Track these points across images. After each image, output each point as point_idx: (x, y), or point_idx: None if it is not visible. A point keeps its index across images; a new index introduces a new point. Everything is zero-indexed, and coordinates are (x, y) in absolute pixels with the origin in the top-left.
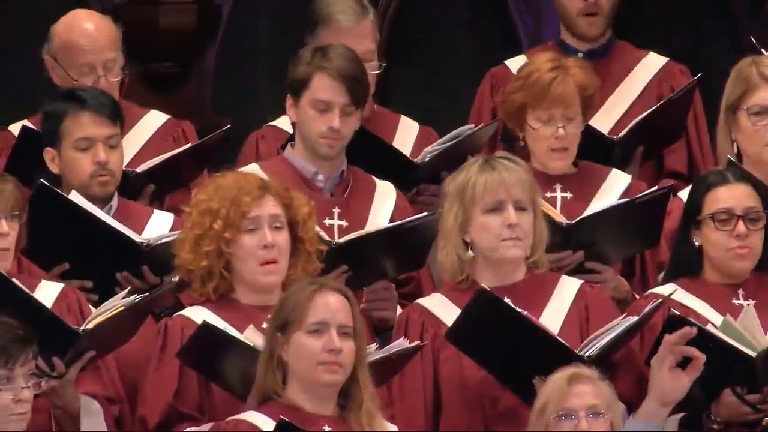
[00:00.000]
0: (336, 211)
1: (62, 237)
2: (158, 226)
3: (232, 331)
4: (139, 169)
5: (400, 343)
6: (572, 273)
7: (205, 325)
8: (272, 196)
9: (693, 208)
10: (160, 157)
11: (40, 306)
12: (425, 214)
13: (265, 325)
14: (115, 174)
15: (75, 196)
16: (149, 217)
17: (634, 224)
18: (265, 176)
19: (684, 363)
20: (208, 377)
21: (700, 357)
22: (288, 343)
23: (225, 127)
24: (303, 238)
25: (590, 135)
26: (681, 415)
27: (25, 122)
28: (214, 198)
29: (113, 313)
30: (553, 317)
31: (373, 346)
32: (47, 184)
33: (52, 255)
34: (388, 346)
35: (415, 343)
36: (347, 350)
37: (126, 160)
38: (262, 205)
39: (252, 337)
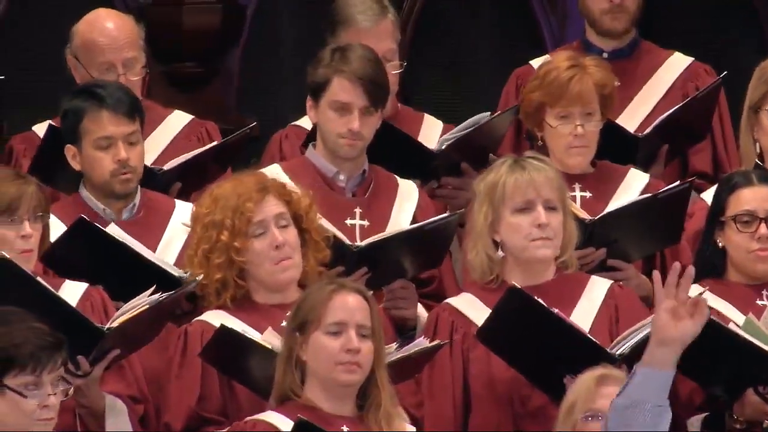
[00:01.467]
0: (357, 211)
1: (99, 264)
2: (182, 217)
3: (251, 334)
4: (165, 167)
5: (420, 342)
6: (594, 271)
7: (223, 329)
8: (272, 195)
9: (717, 209)
10: (186, 155)
11: (65, 304)
12: (446, 215)
13: (284, 324)
14: (137, 170)
15: (113, 229)
16: (173, 210)
17: (656, 220)
18: (282, 175)
19: None
20: (231, 377)
21: (702, 301)
22: (306, 343)
23: (251, 124)
24: (309, 229)
25: (615, 133)
26: (704, 415)
27: (50, 122)
28: (215, 210)
29: (138, 311)
30: (582, 317)
31: (393, 345)
32: (87, 219)
33: (86, 279)
34: (407, 346)
35: (436, 342)
36: (366, 350)
37: (150, 161)
38: (265, 207)
39: (271, 339)
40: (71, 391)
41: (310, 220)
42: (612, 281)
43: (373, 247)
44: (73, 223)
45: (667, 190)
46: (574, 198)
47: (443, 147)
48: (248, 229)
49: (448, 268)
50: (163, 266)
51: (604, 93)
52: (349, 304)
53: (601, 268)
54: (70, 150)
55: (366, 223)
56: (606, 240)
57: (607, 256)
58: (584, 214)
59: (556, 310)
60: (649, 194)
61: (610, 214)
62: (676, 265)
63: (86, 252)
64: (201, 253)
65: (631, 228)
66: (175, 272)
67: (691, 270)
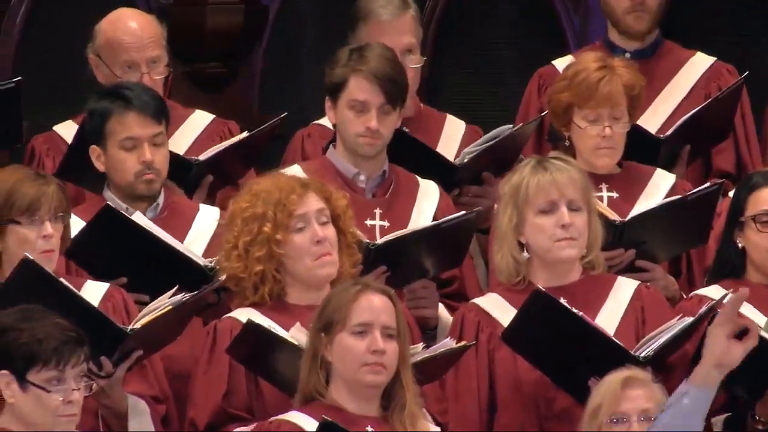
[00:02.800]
0: (377, 211)
1: (123, 255)
2: (205, 220)
3: (278, 330)
4: (201, 157)
5: (447, 343)
6: (622, 271)
7: (250, 324)
8: (313, 192)
9: (736, 208)
10: (218, 146)
11: (88, 306)
12: (462, 213)
13: None
14: (161, 172)
15: (138, 217)
16: (196, 213)
17: (685, 221)
18: (304, 176)
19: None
20: (257, 373)
21: (755, 328)
22: (331, 344)
23: (281, 115)
24: (344, 230)
25: (637, 134)
26: (726, 415)
27: (71, 121)
28: (256, 203)
29: (161, 312)
30: (609, 318)
31: (420, 345)
32: (112, 206)
33: (110, 271)
34: (434, 346)
35: (462, 342)
36: (391, 351)
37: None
38: (307, 202)
39: (298, 335)
40: (95, 386)
41: (346, 221)
42: (639, 282)
43: (390, 245)
44: (99, 212)
45: (697, 191)
46: (600, 198)
47: (465, 160)
48: (290, 222)
49: (470, 268)
50: (187, 254)
51: (633, 94)
52: (375, 305)
53: (629, 269)
54: (94, 151)
55: (386, 223)
56: (635, 241)
57: (635, 257)
58: (614, 216)
59: (580, 313)
60: (679, 196)
61: (640, 215)
62: (744, 290)
63: (110, 241)
64: (242, 246)
65: (660, 229)
66: (201, 261)
67: (745, 291)
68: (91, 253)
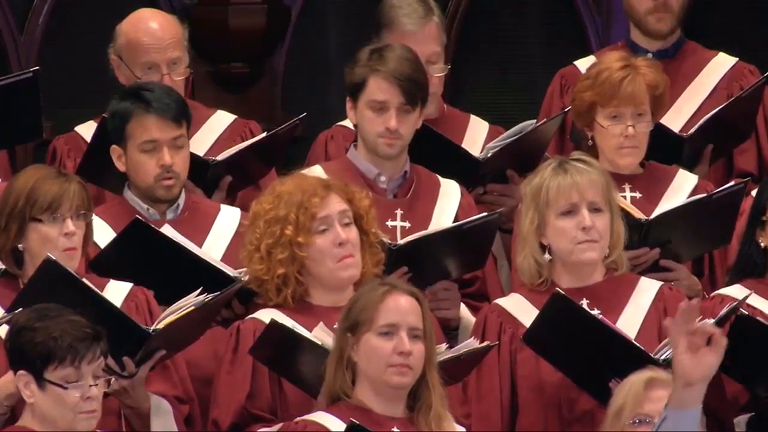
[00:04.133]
0: (398, 212)
1: (149, 267)
2: (226, 221)
3: (302, 330)
4: (218, 158)
5: (470, 343)
6: (646, 271)
7: (273, 323)
8: (336, 193)
9: (758, 208)
10: (237, 146)
11: (110, 306)
12: (485, 214)
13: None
14: (180, 176)
15: (168, 230)
16: (217, 213)
17: (709, 220)
18: (325, 177)
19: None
20: (280, 374)
21: (716, 331)
22: (358, 345)
23: (300, 116)
24: (367, 230)
25: (660, 133)
26: (748, 415)
27: (92, 121)
28: (279, 205)
29: (184, 312)
30: (631, 319)
31: (443, 346)
32: (142, 220)
33: (140, 281)
34: (457, 346)
35: (485, 343)
36: (417, 352)
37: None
38: (329, 203)
39: (321, 335)
40: (113, 381)
41: (369, 221)
42: (661, 283)
43: (411, 245)
44: (128, 225)
45: (722, 189)
46: (624, 198)
47: (488, 155)
48: (312, 224)
49: (492, 268)
50: (220, 267)
51: (656, 94)
52: (402, 306)
53: (653, 269)
54: (115, 151)
55: (407, 224)
56: (660, 240)
57: (659, 256)
58: (640, 214)
59: (600, 316)
60: (704, 194)
61: (665, 213)
62: (682, 305)
63: (136, 254)
64: (264, 248)
65: (684, 228)
66: (231, 273)
67: (694, 303)
68: (116, 265)
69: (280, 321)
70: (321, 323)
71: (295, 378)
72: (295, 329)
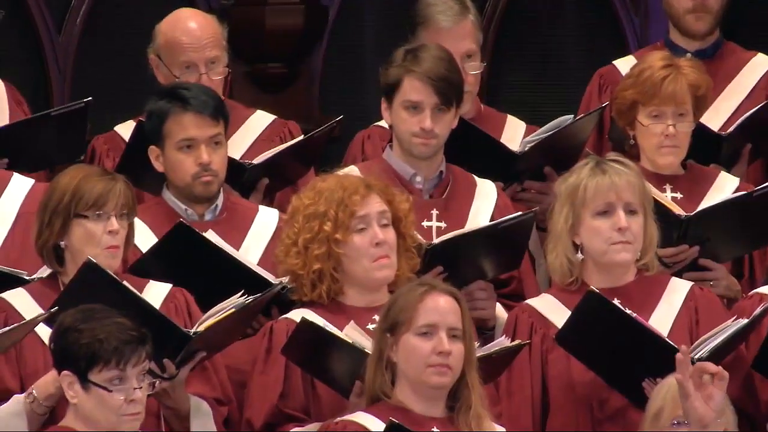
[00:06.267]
0: (434, 212)
1: (189, 273)
2: (265, 222)
3: (332, 329)
4: (255, 161)
5: (501, 342)
6: (685, 270)
7: (304, 322)
8: (376, 193)
9: None
10: (274, 149)
11: (151, 309)
12: (519, 213)
13: (370, 326)
14: (219, 173)
15: (211, 235)
16: (255, 214)
17: (749, 220)
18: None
19: None
20: (311, 373)
21: (718, 370)
22: (397, 345)
23: (337, 118)
24: (405, 233)
25: (698, 132)
26: None
27: (132, 121)
28: (319, 201)
29: (224, 315)
30: (662, 319)
31: (475, 344)
32: (186, 223)
33: (180, 284)
34: (488, 345)
35: (516, 341)
36: (456, 352)
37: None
38: (369, 203)
39: (352, 333)
40: (157, 384)
41: (407, 225)
42: (692, 283)
43: (446, 245)
44: (172, 228)
45: (762, 188)
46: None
47: (526, 149)
48: (351, 222)
49: (528, 268)
50: (263, 274)
51: (698, 94)
52: (441, 306)
53: (692, 267)
54: (153, 151)
55: (443, 224)
56: (699, 238)
57: (698, 255)
58: (679, 210)
59: (634, 314)
60: (744, 192)
61: (705, 210)
62: (681, 353)
63: (178, 257)
64: (302, 243)
65: (724, 227)
66: (274, 281)
67: (680, 355)
68: (158, 268)
69: (310, 319)
70: (352, 322)
71: (326, 377)
72: (325, 327)
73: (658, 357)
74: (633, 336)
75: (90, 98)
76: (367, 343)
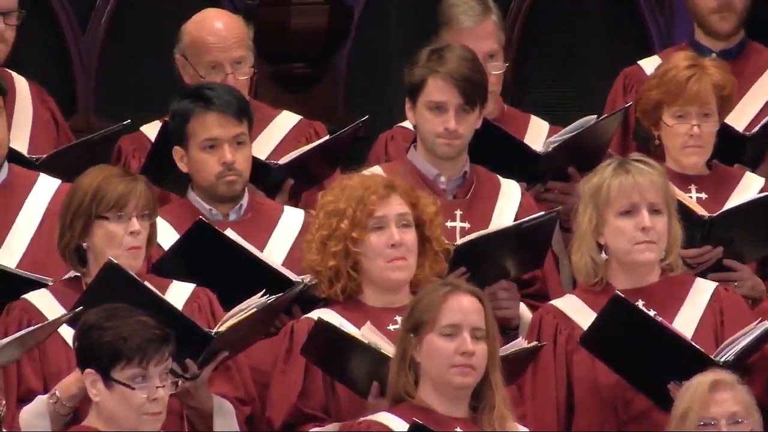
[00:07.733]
0: (458, 213)
1: (209, 271)
2: (290, 222)
3: (349, 328)
4: (280, 162)
5: (518, 343)
6: (709, 270)
7: (321, 323)
8: (398, 195)
9: None
10: (299, 149)
11: (173, 309)
12: (542, 213)
13: (390, 327)
14: (243, 173)
15: (231, 233)
16: (280, 215)
17: None
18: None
19: None
20: (330, 374)
21: None
22: (420, 345)
23: (363, 118)
24: (430, 237)
25: (723, 132)
26: None
27: (158, 121)
28: (341, 198)
29: (246, 314)
30: (687, 320)
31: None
32: (205, 221)
33: (202, 283)
34: (504, 347)
35: (533, 343)
36: (480, 353)
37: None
38: (389, 204)
39: (368, 334)
40: (180, 383)
41: (433, 227)
42: (716, 284)
43: (470, 245)
44: (191, 226)
45: None
46: (690, 199)
47: (549, 149)
48: (368, 221)
49: (552, 268)
50: (284, 272)
51: (723, 94)
52: (464, 306)
53: (716, 268)
54: (177, 152)
55: (467, 225)
56: (723, 239)
57: (723, 256)
58: (702, 211)
59: (659, 318)
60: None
61: (728, 211)
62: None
63: (199, 256)
64: (319, 239)
65: (748, 227)
66: (294, 278)
67: None
68: (180, 267)
69: (327, 320)
70: (368, 322)
71: (344, 378)
72: (341, 327)
73: (684, 360)
74: (658, 339)
75: (128, 121)
76: (383, 344)
